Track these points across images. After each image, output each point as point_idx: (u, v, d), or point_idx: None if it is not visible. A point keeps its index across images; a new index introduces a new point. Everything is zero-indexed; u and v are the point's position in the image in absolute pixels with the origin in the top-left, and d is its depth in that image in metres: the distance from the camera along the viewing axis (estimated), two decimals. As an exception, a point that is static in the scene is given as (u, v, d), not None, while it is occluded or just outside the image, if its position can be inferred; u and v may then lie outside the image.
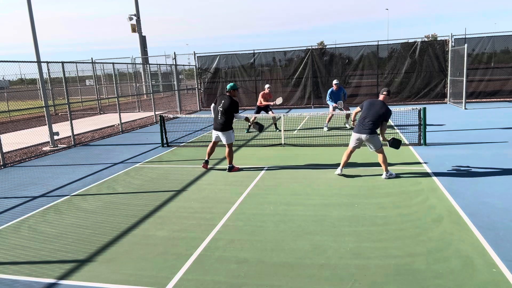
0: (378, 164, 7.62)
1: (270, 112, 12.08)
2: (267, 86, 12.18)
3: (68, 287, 3.74)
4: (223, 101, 7.42)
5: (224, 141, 7.51)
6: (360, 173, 7.04)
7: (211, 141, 7.85)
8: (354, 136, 6.72)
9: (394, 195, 5.80)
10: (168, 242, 4.60)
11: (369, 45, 18.31)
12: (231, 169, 7.61)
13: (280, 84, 19.79)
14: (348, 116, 12.03)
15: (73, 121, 11.97)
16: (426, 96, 17.99)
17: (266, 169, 7.67)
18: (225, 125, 7.42)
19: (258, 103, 12.09)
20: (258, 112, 11.86)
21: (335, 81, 11.88)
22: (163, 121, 10.54)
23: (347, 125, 12.21)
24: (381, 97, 6.72)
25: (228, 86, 7.58)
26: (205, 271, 3.90)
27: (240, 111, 7.71)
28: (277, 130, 11.98)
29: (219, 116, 7.42)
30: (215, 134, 7.61)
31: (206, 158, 7.81)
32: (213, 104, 7.66)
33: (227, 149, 7.54)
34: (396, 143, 6.83)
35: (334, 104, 11.72)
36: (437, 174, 6.70)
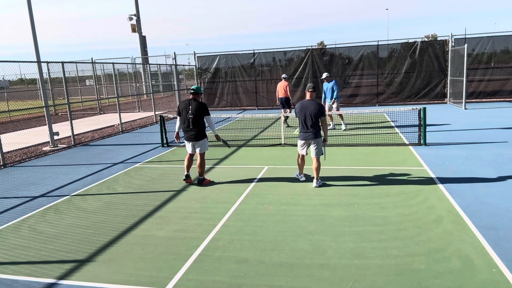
0: (378, 164, 7.63)
1: (288, 110, 12.81)
2: (284, 76, 13.11)
3: (68, 287, 3.74)
4: (190, 107, 6.60)
5: (197, 151, 6.75)
6: (360, 173, 7.03)
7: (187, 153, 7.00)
8: (302, 143, 6.44)
9: (394, 195, 5.80)
10: (168, 242, 4.60)
11: (369, 45, 18.29)
12: (202, 181, 6.82)
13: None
14: (341, 117, 11.78)
15: (73, 121, 11.97)
16: (426, 96, 17.98)
17: (266, 169, 7.66)
18: (199, 133, 6.66)
19: (283, 95, 12.84)
20: (283, 106, 12.90)
21: (324, 75, 11.73)
22: (163, 121, 10.54)
23: (342, 127, 11.82)
24: (308, 95, 6.39)
25: (193, 89, 6.76)
26: (205, 271, 3.90)
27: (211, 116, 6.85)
28: (286, 126, 12.79)
29: (190, 124, 6.60)
30: (189, 145, 6.81)
31: (186, 172, 6.92)
32: (178, 117, 6.80)
33: (199, 159, 6.75)
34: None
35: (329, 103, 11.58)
36: (437, 174, 6.70)
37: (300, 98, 19.32)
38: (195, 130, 6.62)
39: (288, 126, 12.98)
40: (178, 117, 6.78)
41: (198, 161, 6.77)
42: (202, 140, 6.73)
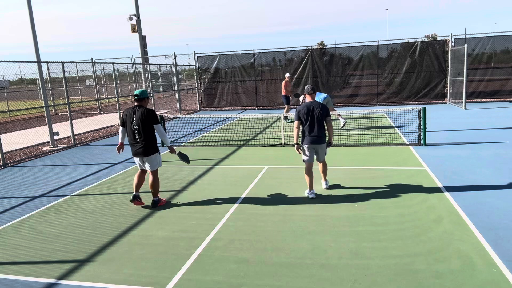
0: (378, 164, 7.63)
1: (286, 106, 13.87)
2: (287, 75, 14.27)
3: (68, 287, 3.74)
4: (134, 115, 5.54)
5: (148, 168, 5.74)
6: (360, 173, 7.03)
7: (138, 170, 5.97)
8: (309, 148, 5.98)
9: (394, 195, 5.80)
10: (168, 242, 4.60)
11: (369, 45, 18.29)
12: (157, 203, 5.82)
13: (280, 84, 19.77)
14: (338, 114, 11.77)
15: (73, 121, 11.97)
16: (426, 96, 17.98)
17: (266, 169, 7.66)
18: (147, 147, 5.58)
19: (283, 93, 14.11)
20: (288, 102, 14.07)
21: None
22: (163, 121, 10.54)
23: (341, 122, 11.70)
24: (309, 97, 6.03)
25: (136, 94, 5.61)
26: (205, 271, 3.90)
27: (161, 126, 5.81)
28: (287, 120, 13.34)
29: (136, 136, 5.56)
30: (138, 161, 5.80)
31: (135, 192, 5.80)
32: (121, 128, 5.80)
33: (151, 179, 5.73)
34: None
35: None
36: (437, 174, 6.69)
37: (300, 98, 19.34)
38: (142, 143, 5.55)
39: (288, 120, 13.66)
40: (121, 128, 5.81)
41: (150, 181, 5.73)
42: (152, 155, 5.66)
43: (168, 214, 5.51)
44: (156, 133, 5.65)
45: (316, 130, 5.86)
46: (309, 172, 5.95)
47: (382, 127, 11.93)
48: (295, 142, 6.01)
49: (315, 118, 5.83)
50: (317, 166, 6.27)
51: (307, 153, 5.96)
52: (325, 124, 5.96)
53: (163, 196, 6.26)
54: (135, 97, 5.62)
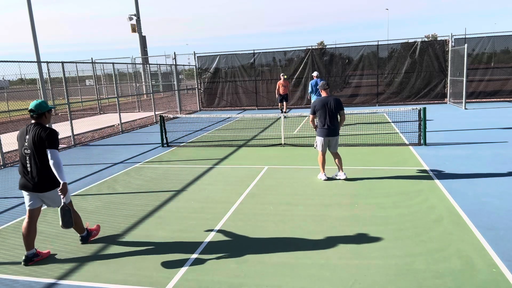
0: (378, 164, 7.63)
1: (285, 103, 14.74)
2: (282, 75, 14.89)
3: (68, 287, 3.74)
4: (27, 136, 4.14)
5: (52, 205, 4.36)
6: (360, 174, 7.03)
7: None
8: (325, 140, 6.56)
9: (394, 195, 5.80)
10: (168, 242, 4.60)
11: (369, 45, 18.30)
12: (88, 237, 4.65)
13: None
14: None
15: (73, 121, 11.98)
16: (426, 96, 17.98)
17: (266, 169, 7.66)
18: (42, 179, 4.13)
19: (283, 92, 14.73)
20: (281, 100, 14.77)
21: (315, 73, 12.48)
22: (163, 121, 10.54)
23: None
24: (324, 93, 6.71)
25: (31, 109, 4.17)
26: (205, 271, 3.90)
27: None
28: (283, 112, 13.79)
29: (27, 164, 4.14)
30: (28, 197, 4.23)
31: (27, 251, 4.23)
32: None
33: (25, 227, 4.25)
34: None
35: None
36: (437, 174, 6.70)
37: (299, 98, 19.34)
38: (35, 173, 4.12)
39: (285, 112, 14.35)
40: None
41: (25, 229, 4.28)
42: (50, 192, 4.20)
43: (168, 214, 5.51)
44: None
45: (330, 123, 6.44)
46: (322, 159, 6.63)
47: (382, 127, 11.93)
48: (314, 127, 6.76)
49: (330, 111, 6.44)
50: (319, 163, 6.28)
51: (321, 144, 6.56)
52: (338, 116, 6.61)
53: (163, 196, 6.27)
54: (30, 113, 4.18)
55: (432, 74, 17.75)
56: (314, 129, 6.75)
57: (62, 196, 4.15)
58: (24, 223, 4.26)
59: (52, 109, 4.41)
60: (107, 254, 4.38)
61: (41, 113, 4.19)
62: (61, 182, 4.10)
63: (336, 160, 6.71)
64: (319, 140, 6.58)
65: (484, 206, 5.17)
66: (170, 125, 14.22)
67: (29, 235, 4.25)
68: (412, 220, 4.85)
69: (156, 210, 5.68)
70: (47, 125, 4.25)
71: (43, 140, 4.07)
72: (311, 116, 6.69)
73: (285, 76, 15.04)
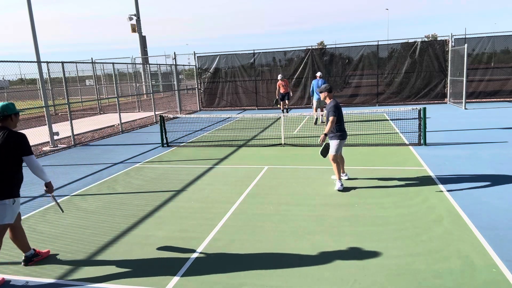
0: (378, 164, 7.63)
1: (286, 101, 14.95)
2: (279, 76, 15.01)
3: (68, 287, 3.74)
4: None
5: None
6: (360, 173, 7.03)
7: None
8: (342, 143, 6.43)
9: (394, 195, 5.80)
10: (168, 242, 4.59)
11: (369, 45, 18.30)
12: (31, 258, 4.23)
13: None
14: None
15: (73, 121, 11.97)
16: (426, 96, 17.99)
17: (266, 169, 7.66)
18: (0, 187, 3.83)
19: (283, 90, 14.83)
20: (282, 99, 14.88)
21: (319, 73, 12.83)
22: (163, 121, 10.54)
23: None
24: (330, 96, 6.42)
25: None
26: (205, 271, 3.90)
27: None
28: (283, 109, 14.73)
29: None
30: None
31: (26, 252, 4.22)
32: None
33: (10, 233, 4.13)
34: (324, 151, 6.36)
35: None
36: (437, 174, 6.70)
37: (300, 98, 19.34)
38: None
39: (285, 108, 14.97)
40: None
41: (10, 235, 4.14)
42: (1, 202, 3.85)
43: (168, 214, 5.51)
44: (29, 168, 3.97)
45: (344, 126, 6.44)
46: (338, 164, 6.35)
47: (382, 127, 11.93)
48: (326, 132, 6.19)
49: (342, 116, 6.44)
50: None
51: (339, 147, 6.37)
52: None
53: (163, 196, 6.27)
54: None
55: (432, 74, 17.75)
56: (325, 134, 6.18)
57: (50, 194, 4.19)
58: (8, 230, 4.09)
59: (19, 113, 4.09)
60: (107, 254, 4.37)
61: (7, 115, 3.91)
62: (47, 181, 4.14)
63: (342, 162, 6.69)
64: (336, 144, 6.30)
65: (484, 206, 5.17)
66: (170, 125, 14.23)
67: (16, 239, 4.15)
68: (412, 220, 4.85)
69: (156, 210, 5.68)
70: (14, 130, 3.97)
71: (11, 149, 3.82)
72: (334, 118, 6.16)
73: (281, 76, 15.03)
